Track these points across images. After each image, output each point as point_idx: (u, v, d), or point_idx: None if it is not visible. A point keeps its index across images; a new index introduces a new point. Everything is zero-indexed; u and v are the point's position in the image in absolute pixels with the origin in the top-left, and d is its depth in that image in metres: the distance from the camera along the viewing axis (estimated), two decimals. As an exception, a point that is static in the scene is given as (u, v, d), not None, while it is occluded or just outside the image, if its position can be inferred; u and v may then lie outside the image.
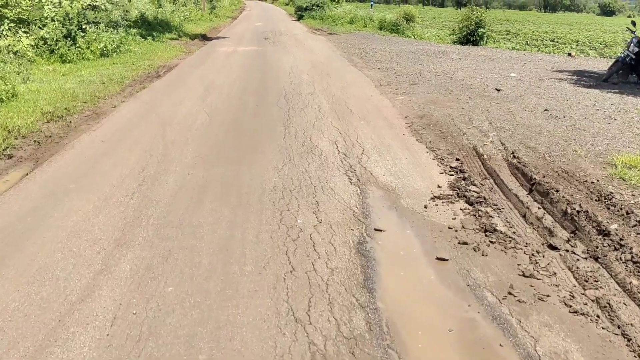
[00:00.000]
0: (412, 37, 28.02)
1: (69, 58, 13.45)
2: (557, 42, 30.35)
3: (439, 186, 5.79)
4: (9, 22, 13.14)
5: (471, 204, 5.28)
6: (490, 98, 10.63)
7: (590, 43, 31.04)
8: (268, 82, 11.73)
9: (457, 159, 6.66)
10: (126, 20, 16.66)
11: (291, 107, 9.24)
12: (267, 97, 10.02)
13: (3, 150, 6.21)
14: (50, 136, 6.93)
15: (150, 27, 21.00)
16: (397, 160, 6.64)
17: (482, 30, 23.70)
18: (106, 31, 14.90)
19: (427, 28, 37.26)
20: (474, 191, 5.60)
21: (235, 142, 7.07)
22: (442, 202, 5.34)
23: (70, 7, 14.19)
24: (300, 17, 39.08)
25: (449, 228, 4.78)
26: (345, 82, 12.26)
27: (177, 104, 9.03)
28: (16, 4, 13.36)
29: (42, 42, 13.57)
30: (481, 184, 5.88)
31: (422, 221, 4.92)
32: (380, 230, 4.68)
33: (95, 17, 14.65)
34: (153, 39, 18.06)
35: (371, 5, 37.54)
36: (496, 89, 11.60)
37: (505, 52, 21.48)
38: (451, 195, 5.51)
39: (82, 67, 12.87)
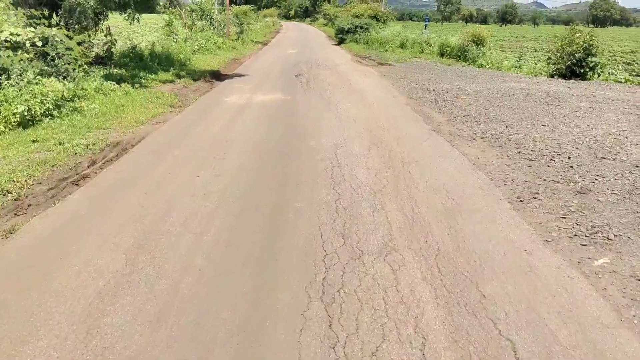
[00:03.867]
0: (487, 66, 21.76)
1: (-43, 133, 7.86)
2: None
3: None
4: None
5: None
6: None
7: None
8: (288, 201, 5.65)
9: None
10: (75, 59, 10.89)
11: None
12: (277, 286, 3.96)
13: None
14: None
15: (141, 63, 15.47)
16: None
17: (593, 59, 17.19)
18: (35, 82, 9.26)
19: (495, 52, 30.92)
20: None
21: None
22: None
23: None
24: (341, 41, 33.30)
25: None
26: (443, 189, 6.11)
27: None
28: None
29: None
30: None
31: None
32: None
33: (12, 62, 8.96)
34: (133, 85, 12.38)
35: (425, 25, 31.44)
36: None
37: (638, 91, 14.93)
38: None
39: (-32, 153, 7.22)
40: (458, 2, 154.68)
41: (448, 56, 24.26)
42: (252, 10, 41.04)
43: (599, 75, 17.62)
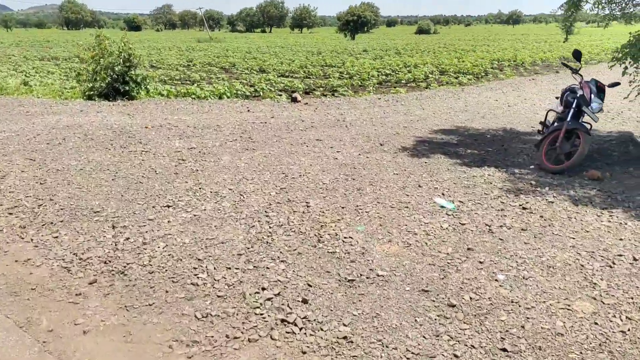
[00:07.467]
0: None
1: None
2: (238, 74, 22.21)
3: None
4: None
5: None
6: None
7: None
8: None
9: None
10: None
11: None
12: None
13: None
14: None
15: None
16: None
17: (139, 72, 13.64)
18: None
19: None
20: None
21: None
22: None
23: None
24: None
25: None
26: None
27: None
28: None
29: None
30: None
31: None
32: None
33: None
34: None
35: None
36: None
37: (206, 106, 12.27)
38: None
39: None
40: None
41: None
42: None
43: (148, 92, 14.21)
